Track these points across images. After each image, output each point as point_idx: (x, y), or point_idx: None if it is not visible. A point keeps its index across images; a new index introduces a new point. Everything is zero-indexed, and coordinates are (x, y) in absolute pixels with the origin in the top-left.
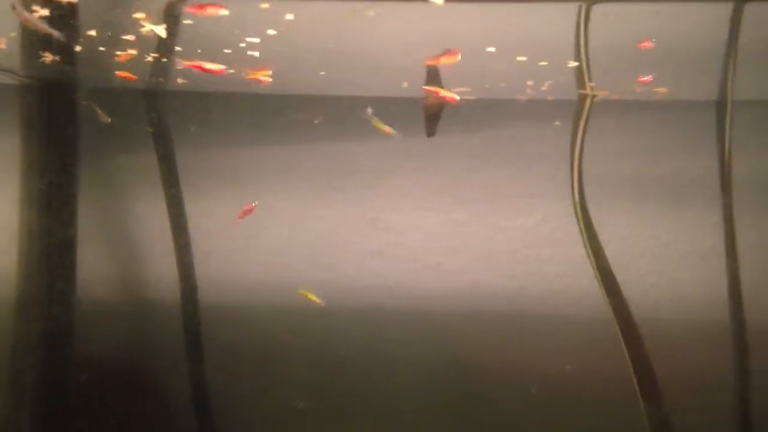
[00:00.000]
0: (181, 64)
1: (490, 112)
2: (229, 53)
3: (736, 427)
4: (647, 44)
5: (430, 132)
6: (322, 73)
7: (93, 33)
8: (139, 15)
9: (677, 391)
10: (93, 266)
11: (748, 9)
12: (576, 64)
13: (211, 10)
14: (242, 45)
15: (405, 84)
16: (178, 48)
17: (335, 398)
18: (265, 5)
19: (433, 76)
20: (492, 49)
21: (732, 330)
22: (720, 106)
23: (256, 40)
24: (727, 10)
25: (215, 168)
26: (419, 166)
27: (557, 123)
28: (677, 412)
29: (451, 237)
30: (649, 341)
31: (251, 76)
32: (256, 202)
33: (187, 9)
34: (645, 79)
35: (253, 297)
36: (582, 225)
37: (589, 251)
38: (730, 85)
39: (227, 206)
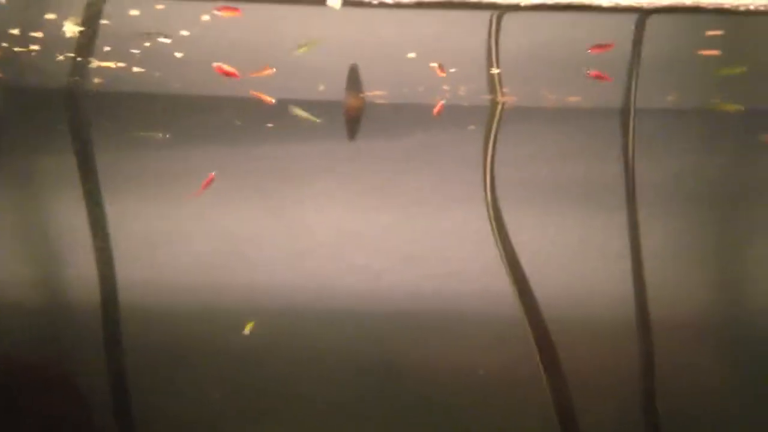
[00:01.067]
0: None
1: (411, 116)
2: (138, 53)
3: (642, 420)
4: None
5: (351, 134)
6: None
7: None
8: (51, 15)
9: (586, 386)
10: (9, 268)
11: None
12: (496, 71)
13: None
14: (147, 45)
15: (322, 87)
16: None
17: (258, 399)
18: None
19: (353, 79)
20: (412, 55)
21: (638, 327)
22: (624, 114)
23: (167, 40)
24: (631, 20)
25: (135, 169)
26: (344, 170)
27: (472, 127)
28: (585, 406)
29: (376, 239)
30: (560, 339)
31: (255, 74)
32: (215, 172)
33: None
34: (593, 73)
35: (176, 299)
36: (494, 227)
37: (502, 253)
38: (633, 94)
39: (148, 208)
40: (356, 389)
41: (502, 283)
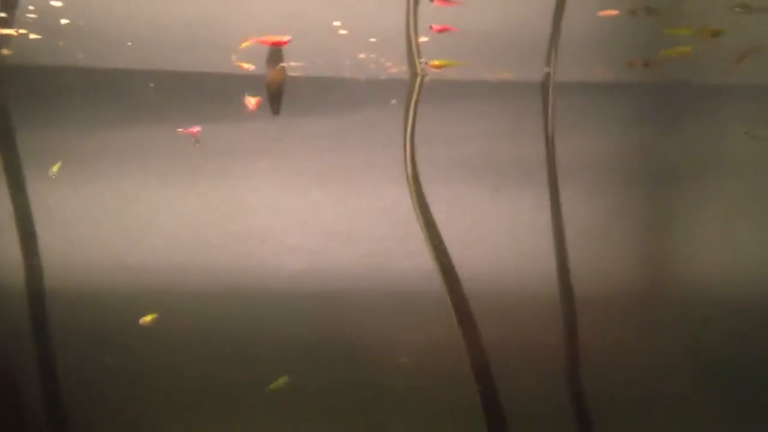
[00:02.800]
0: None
1: (342, 93)
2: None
3: (567, 394)
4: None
5: (275, 110)
6: (130, 44)
7: None
8: None
9: (509, 361)
10: None
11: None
12: (424, 39)
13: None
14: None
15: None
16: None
17: (193, 378)
18: None
19: (275, 55)
20: (344, 32)
21: (561, 300)
22: (544, 91)
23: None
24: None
25: (58, 149)
26: (278, 148)
27: (393, 101)
28: (509, 382)
29: (310, 218)
30: (483, 315)
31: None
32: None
33: None
34: (437, 27)
35: (110, 280)
36: (416, 202)
37: (423, 228)
38: (553, 71)
39: (77, 190)
40: (290, 367)
41: (427, 261)
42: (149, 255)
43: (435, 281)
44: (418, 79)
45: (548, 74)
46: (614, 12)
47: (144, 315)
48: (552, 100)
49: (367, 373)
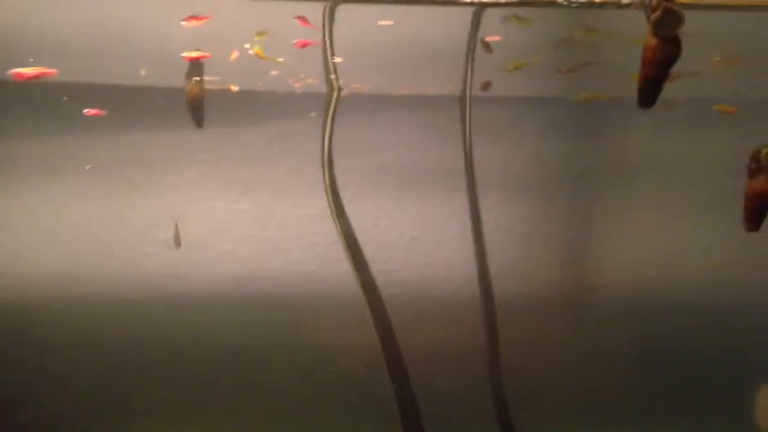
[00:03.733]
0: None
1: (271, 105)
2: None
3: (490, 396)
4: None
5: (198, 123)
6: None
7: None
8: None
9: (430, 366)
10: None
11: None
12: (339, 60)
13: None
14: None
15: (143, 72)
16: None
17: (123, 383)
18: None
19: (194, 69)
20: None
21: (482, 305)
22: (462, 102)
23: None
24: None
25: None
26: (207, 158)
27: (312, 114)
28: (429, 385)
29: (241, 226)
30: (407, 319)
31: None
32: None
33: None
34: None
35: (40, 291)
36: (334, 213)
37: (342, 237)
38: (469, 83)
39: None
40: (220, 374)
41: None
42: (75, 264)
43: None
44: (335, 94)
45: (465, 87)
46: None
47: (70, 325)
48: (469, 112)
49: (291, 378)
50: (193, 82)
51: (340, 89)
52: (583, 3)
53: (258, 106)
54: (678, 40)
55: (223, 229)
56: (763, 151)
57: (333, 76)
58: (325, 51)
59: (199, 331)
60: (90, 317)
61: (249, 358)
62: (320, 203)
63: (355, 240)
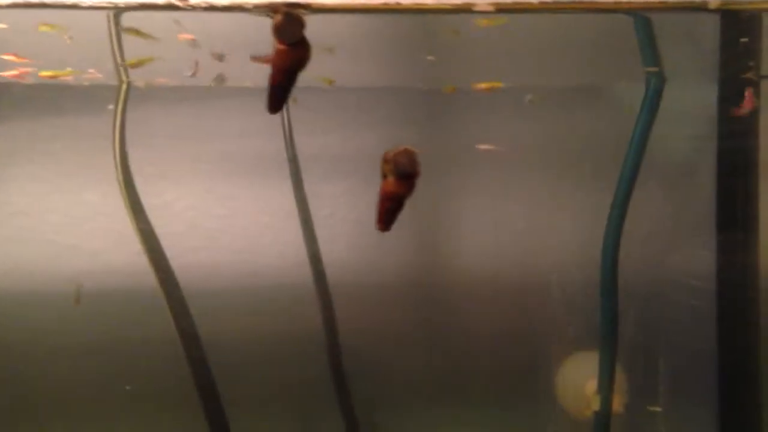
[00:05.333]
0: None
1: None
2: None
3: (331, 380)
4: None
5: None
6: None
7: None
8: None
9: (265, 352)
10: None
11: None
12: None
13: None
14: None
15: None
16: None
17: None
18: None
19: None
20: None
21: (316, 289)
22: None
23: None
24: None
25: None
26: (47, 149)
27: (110, 107)
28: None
29: (87, 218)
30: (238, 308)
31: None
32: None
33: None
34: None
35: None
36: (128, 203)
37: (138, 229)
38: None
39: None
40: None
41: (220, 255)
42: None
43: (225, 273)
44: (124, 86)
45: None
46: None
47: None
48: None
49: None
50: None
51: (129, 81)
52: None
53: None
54: (306, 44)
55: (66, 222)
56: (390, 155)
57: (121, 65)
58: (111, 41)
59: (43, 326)
60: None
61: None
62: (172, 192)
63: (154, 234)
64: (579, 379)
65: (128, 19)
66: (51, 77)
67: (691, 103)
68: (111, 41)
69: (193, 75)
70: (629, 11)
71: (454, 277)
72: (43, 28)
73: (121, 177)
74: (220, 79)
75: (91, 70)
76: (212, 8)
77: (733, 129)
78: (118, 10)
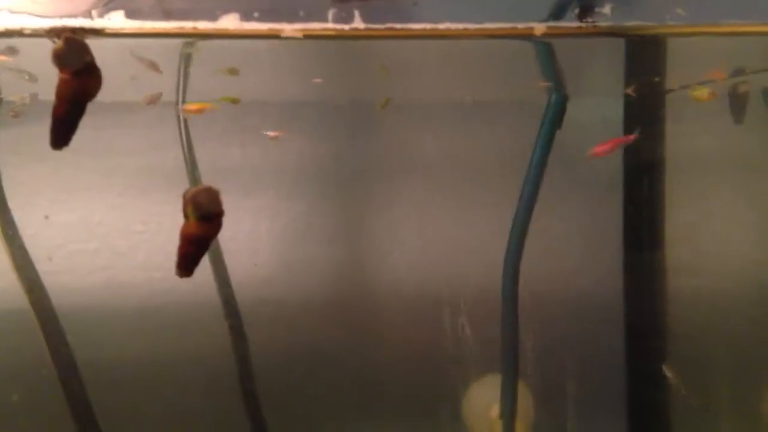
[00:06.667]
0: None
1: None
2: None
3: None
4: None
5: None
6: None
7: None
8: None
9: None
10: None
11: None
12: None
13: None
14: None
15: None
16: None
17: None
18: None
19: None
20: None
21: (224, 311)
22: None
23: None
24: None
25: None
26: None
27: None
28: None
29: None
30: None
31: None
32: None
33: None
34: None
35: None
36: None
37: (7, 248)
38: (182, 89)
39: None
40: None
41: (132, 273)
42: None
43: (155, 291)
44: None
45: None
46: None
47: None
48: (181, 116)
49: None
50: None
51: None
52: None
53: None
54: (93, 71)
55: None
56: (187, 196)
57: None
58: None
59: None
60: None
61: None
62: (82, 207)
63: (29, 259)
64: (484, 403)
65: None
66: None
67: (599, 118)
68: None
69: None
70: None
71: (375, 294)
72: None
73: None
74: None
75: None
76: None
77: (639, 145)
78: None
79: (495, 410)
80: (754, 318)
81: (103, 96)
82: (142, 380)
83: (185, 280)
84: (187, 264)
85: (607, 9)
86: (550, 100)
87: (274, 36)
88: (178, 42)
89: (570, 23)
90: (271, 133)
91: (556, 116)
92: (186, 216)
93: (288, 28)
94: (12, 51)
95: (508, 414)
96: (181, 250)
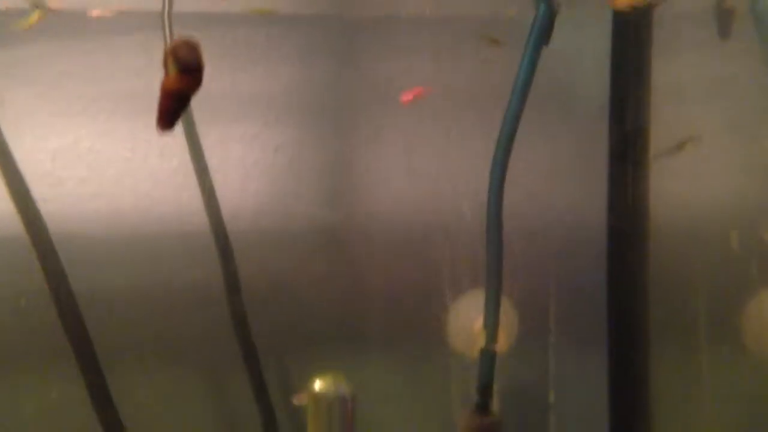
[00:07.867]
0: None
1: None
2: None
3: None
4: None
5: None
6: None
7: None
8: None
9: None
10: None
11: None
12: None
13: None
14: None
15: None
16: None
17: None
18: None
19: None
20: None
21: (214, 238)
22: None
23: None
24: None
25: None
26: None
27: None
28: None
29: None
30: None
31: None
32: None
33: None
34: None
35: None
36: None
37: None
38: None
39: None
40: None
41: (123, 201)
42: None
43: (125, 221)
44: None
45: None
46: None
47: None
48: (170, 33)
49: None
50: None
51: None
52: None
53: None
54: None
55: None
56: (167, 50)
57: None
58: None
59: None
60: None
61: None
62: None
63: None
64: (468, 318)
65: None
66: None
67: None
68: None
69: None
70: None
71: (362, 223)
72: None
73: None
74: None
75: None
76: None
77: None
78: None
79: (478, 323)
80: (737, 227)
81: None
82: (133, 307)
83: (175, 207)
84: (167, 119)
85: None
86: (538, 12)
87: None
88: None
89: None
90: None
91: (543, 31)
92: (166, 70)
93: None
94: None
95: (492, 324)
96: (161, 105)
